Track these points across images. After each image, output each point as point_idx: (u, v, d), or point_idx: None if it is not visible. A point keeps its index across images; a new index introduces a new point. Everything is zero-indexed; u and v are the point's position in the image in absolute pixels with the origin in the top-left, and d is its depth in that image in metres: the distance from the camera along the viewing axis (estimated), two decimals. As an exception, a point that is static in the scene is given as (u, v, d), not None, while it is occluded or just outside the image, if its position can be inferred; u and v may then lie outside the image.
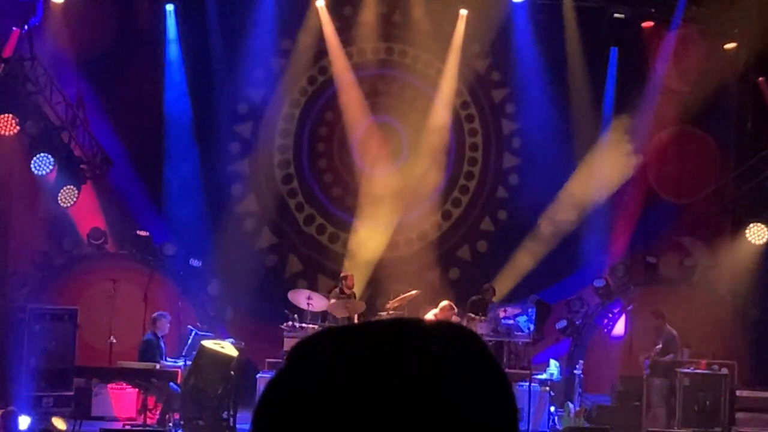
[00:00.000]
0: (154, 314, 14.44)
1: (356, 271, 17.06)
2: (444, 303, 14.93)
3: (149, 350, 14.04)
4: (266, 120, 18.54)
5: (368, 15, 18.29)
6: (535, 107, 18.19)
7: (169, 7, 17.60)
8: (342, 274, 16.51)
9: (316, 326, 14.97)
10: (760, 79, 16.90)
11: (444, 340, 1.25)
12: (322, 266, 18.40)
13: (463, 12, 18.12)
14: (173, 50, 17.70)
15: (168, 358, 14.22)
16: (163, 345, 14.29)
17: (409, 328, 1.27)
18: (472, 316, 15.54)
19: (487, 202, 18.74)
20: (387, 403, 1.18)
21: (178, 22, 17.70)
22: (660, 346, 15.27)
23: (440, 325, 1.28)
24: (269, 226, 18.50)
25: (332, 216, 18.57)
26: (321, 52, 18.37)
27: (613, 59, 17.97)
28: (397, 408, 1.18)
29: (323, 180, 18.68)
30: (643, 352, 15.56)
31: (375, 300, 17.45)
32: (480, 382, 1.23)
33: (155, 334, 14.22)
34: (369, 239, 18.35)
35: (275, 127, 18.62)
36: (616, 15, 17.29)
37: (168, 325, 14.41)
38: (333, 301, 15.69)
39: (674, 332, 15.44)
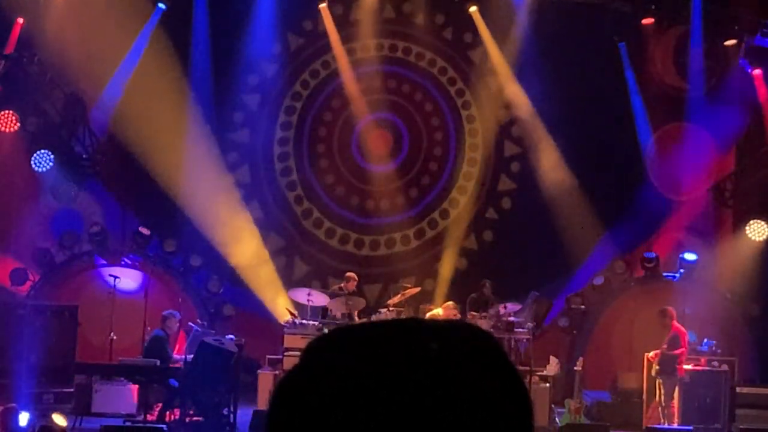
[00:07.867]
0: (165, 312, 14.33)
1: (352, 268, 17.01)
2: (448, 303, 15.32)
3: (158, 346, 13.96)
4: (273, 96, 18.52)
5: (376, 12, 18.24)
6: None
7: (161, 5, 17.48)
8: (347, 274, 16.30)
9: (316, 323, 14.97)
10: (756, 72, 16.87)
11: (459, 340, 1.24)
12: (325, 264, 18.38)
13: (473, 9, 17.87)
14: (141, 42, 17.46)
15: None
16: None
17: (424, 328, 1.26)
18: (473, 313, 15.56)
19: (477, 220, 18.66)
20: (400, 402, 1.17)
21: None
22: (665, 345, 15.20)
23: (454, 324, 1.28)
24: (276, 231, 18.43)
25: (332, 211, 18.55)
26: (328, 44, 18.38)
27: (624, 56, 17.81)
28: (410, 407, 1.17)
29: (321, 169, 18.64)
30: (643, 349, 15.50)
31: (374, 296, 17.46)
32: (495, 382, 1.24)
33: (165, 332, 14.20)
34: (361, 235, 18.40)
35: (280, 104, 18.62)
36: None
37: (177, 324, 14.36)
38: (333, 297, 15.68)
39: (683, 330, 15.32)
